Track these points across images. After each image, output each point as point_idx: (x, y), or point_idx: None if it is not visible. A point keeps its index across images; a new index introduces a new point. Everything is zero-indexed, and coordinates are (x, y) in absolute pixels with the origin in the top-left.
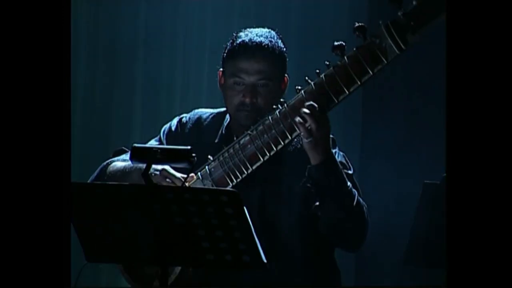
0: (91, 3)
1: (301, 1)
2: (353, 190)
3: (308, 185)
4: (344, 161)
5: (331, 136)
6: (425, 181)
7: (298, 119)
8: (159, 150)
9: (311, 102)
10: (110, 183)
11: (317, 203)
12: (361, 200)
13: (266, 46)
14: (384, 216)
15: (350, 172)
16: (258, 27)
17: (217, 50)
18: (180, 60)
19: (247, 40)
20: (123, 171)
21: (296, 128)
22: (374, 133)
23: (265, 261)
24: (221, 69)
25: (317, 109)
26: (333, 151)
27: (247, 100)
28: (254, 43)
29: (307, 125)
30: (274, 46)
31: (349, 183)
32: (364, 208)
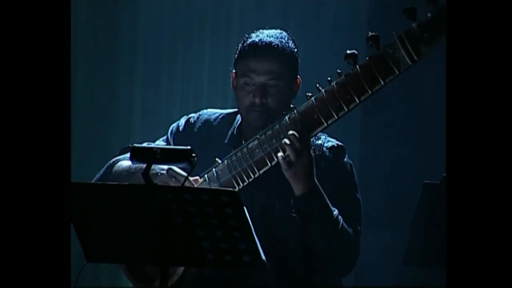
0: (91, 4)
1: (301, 5)
2: (339, 217)
3: (293, 214)
4: (348, 175)
5: (341, 144)
6: (425, 181)
7: (280, 154)
8: (159, 150)
9: (293, 132)
10: (110, 183)
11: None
12: (346, 226)
13: (275, 46)
14: (384, 215)
15: (350, 190)
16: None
17: (216, 52)
18: (180, 60)
19: (257, 40)
20: (128, 171)
21: (275, 158)
22: (374, 132)
23: (265, 260)
24: (234, 71)
25: (298, 139)
26: (344, 160)
27: (257, 100)
28: (264, 43)
29: (286, 154)
30: (284, 46)
31: (335, 212)
32: (350, 234)
